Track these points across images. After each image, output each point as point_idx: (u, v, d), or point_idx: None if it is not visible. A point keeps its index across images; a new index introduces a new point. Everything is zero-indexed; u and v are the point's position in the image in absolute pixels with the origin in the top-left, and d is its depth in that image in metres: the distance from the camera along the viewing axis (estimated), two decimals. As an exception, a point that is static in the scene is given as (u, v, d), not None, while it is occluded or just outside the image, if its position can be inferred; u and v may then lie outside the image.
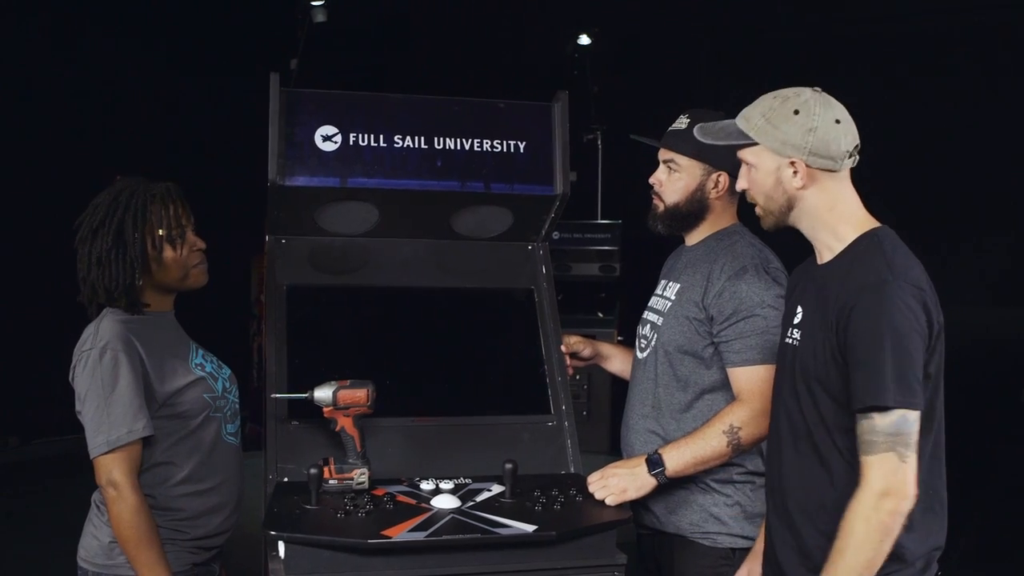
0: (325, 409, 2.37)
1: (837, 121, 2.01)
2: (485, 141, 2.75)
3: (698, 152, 2.47)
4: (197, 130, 7.08)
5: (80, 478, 2.50)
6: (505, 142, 2.77)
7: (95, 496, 2.32)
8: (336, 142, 2.65)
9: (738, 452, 2.35)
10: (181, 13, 7.79)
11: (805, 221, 2.08)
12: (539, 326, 2.82)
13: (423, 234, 2.84)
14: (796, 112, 2.01)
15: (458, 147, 2.73)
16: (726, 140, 2.10)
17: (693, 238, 2.60)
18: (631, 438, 2.59)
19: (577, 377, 7.76)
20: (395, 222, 2.78)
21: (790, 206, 2.06)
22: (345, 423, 2.37)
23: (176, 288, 2.40)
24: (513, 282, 2.89)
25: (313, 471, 2.25)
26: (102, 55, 7.54)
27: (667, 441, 2.44)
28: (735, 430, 2.32)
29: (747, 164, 2.10)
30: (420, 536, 2.11)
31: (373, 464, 2.46)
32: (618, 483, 2.36)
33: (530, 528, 2.16)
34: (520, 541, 2.15)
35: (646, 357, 2.58)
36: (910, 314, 1.88)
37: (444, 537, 2.12)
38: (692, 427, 2.43)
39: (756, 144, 2.05)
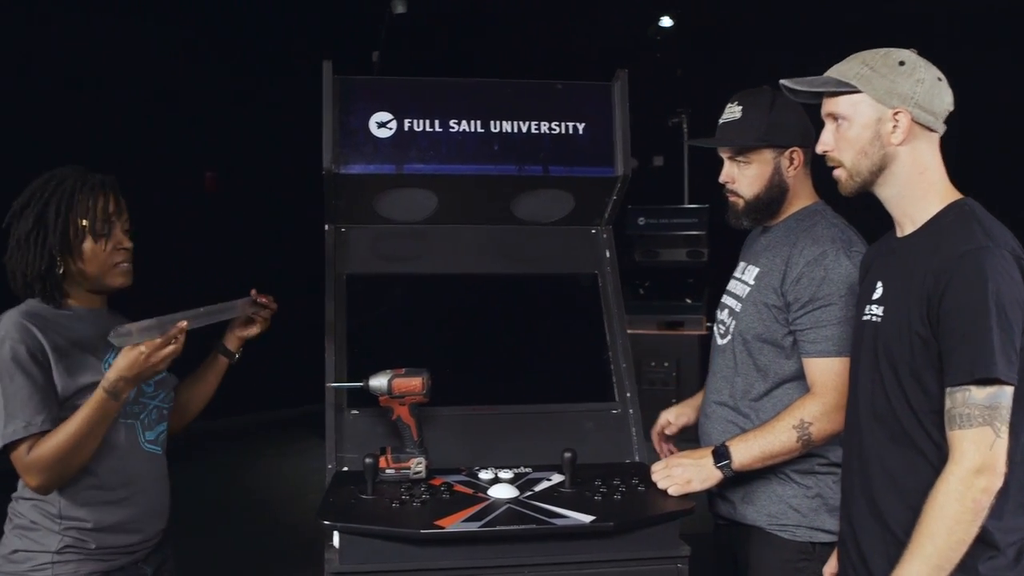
0: (381, 398, 2.36)
1: (939, 79, 1.91)
2: (543, 123, 2.69)
3: (764, 136, 2.36)
4: (283, 125, 7.20)
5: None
6: (563, 124, 2.70)
7: (9, 506, 2.21)
8: (391, 128, 2.63)
9: (809, 448, 2.24)
10: (263, 8, 7.91)
11: (891, 186, 1.95)
12: (603, 311, 2.76)
13: (483, 220, 2.79)
14: (902, 63, 1.90)
15: (515, 130, 2.68)
16: (822, 87, 1.97)
17: (774, 219, 2.48)
18: (708, 426, 2.50)
19: (666, 364, 7.81)
20: (454, 208, 2.75)
21: (882, 166, 1.93)
22: (401, 412, 2.35)
23: (95, 286, 2.24)
24: (576, 267, 2.82)
25: (369, 461, 2.23)
26: (179, 47, 7.71)
27: (745, 431, 2.35)
28: (806, 425, 2.22)
29: (837, 119, 1.97)
30: (474, 526, 2.07)
31: (432, 453, 2.43)
32: (682, 473, 2.28)
33: (588, 519, 2.10)
34: (577, 532, 2.10)
35: (725, 344, 2.49)
36: (1012, 283, 1.77)
37: (498, 528, 2.07)
38: (770, 417, 2.33)
39: (845, 96, 1.93)
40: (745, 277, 2.46)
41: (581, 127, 2.71)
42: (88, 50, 7.23)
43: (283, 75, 7.35)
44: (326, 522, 2.09)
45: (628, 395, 2.64)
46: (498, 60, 8.41)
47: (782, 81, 2.02)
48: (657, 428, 2.69)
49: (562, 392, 2.65)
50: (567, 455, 2.28)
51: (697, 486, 2.27)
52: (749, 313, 2.39)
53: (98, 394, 2.08)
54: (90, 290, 2.25)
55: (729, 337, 2.45)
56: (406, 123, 2.63)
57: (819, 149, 2.03)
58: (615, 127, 2.71)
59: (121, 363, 2.07)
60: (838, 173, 2.00)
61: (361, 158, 2.61)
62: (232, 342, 2.49)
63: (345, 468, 2.43)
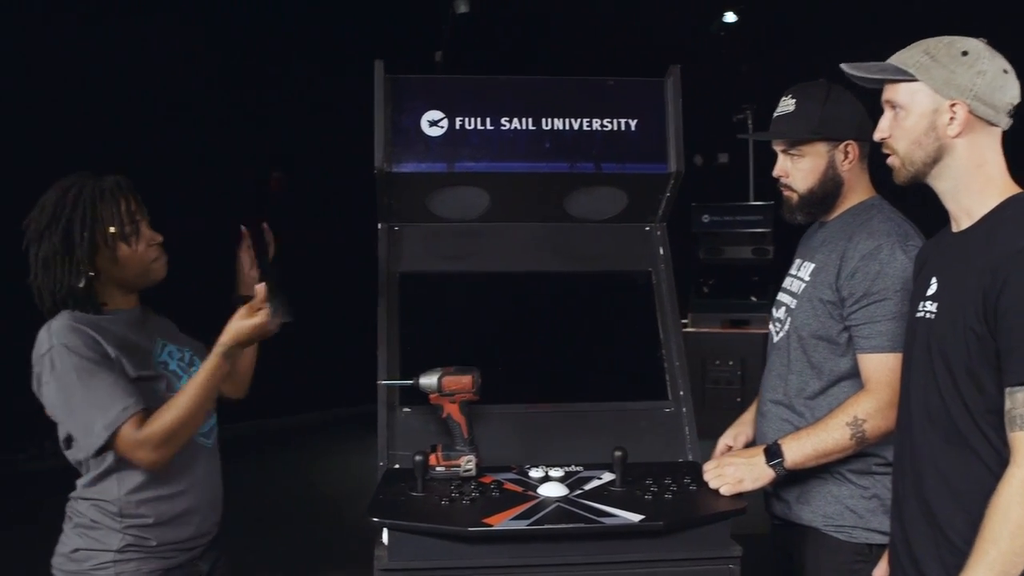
0: (431, 396, 2.36)
1: (1005, 71, 1.85)
2: (594, 120, 2.68)
3: (817, 129, 2.31)
4: (340, 125, 7.29)
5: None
6: (615, 120, 2.68)
7: (67, 505, 2.25)
8: (442, 127, 2.64)
9: (863, 446, 2.19)
10: (328, 9, 7.99)
11: (947, 179, 1.90)
12: (656, 309, 2.73)
13: (536, 217, 2.78)
14: (964, 53, 1.85)
15: (566, 127, 2.67)
16: (879, 74, 1.93)
17: (830, 215, 2.43)
18: (764, 426, 2.46)
19: (731, 363, 7.72)
20: (507, 206, 2.74)
21: (937, 157, 1.88)
22: (451, 409, 2.36)
23: (137, 285, 2.29)
24: (630, 264, 2.80)
25: (419, 458, 2.24)
26: (235, 48, 7.81)
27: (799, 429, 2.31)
28: (859, 422, 2.17)
29: (895, 107, 1.92)
30: (522, 525, 2.07)
31: (483, 451, 2.44)
32: (734, 472, 2.24)
33: (637, 518, 2.08)
34: (625, 531, 2.07)
35: (779, 342, 2.45)
36: None
37: (546, 526, 2.07)
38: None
39: (904, 84, 1.88)
40: (801, 274, 2.42)
41: (633, 124, 2.69)
42: (151, 51, 7.38)
43: (344, 76, 7.43)
44: (375, 519, 2.10)
45: (681, 393, 2.61)
46: (561, 59, 8.38)
47: (842, 65, 1.97)
48: (716, 453, 2.61)
49: (615, 390, 2.63)
50: (617, 454, 2.26)
51: (749, 485, 2.23)
52: (804, 310, 2.35)
53: (212, 360, 2.15)
54: (129, 290, 2.29)
55: (784, 334, 2.41)
56: (457, 121, 2.64)
57: (876, 136, 1.99)
58: (668, 123, 2.68)
59: (241, 327, 2.14)
60: (892, 161, 1.95)
61: (413, 157, 2.62)
62: (248, 288, 2.43)
63: (396, 465, 2.44)
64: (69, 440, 2.19)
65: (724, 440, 2.57)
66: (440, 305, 2.73)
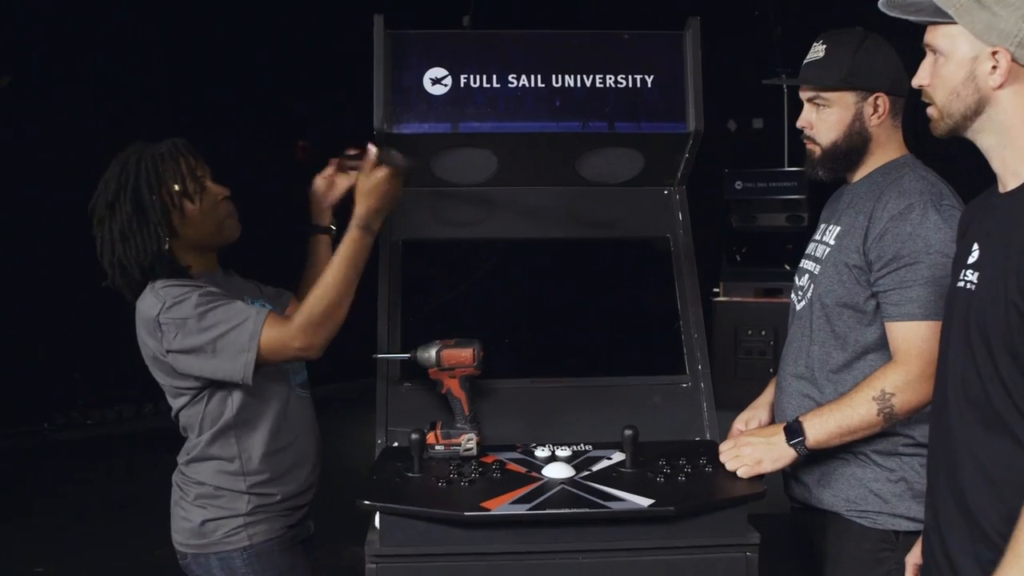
0: (430, 370, 2.23)
1: None
2: (608, 77, 2.50)
3: (846, 77, 2.13)
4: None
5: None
6: (630, 77, 2.51)
7: (176, 477, 2.25)
8: (446, 85, 2.48)
9: (891, 422, 2.03)
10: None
11: (990, 134, 1.71)
12: (674, 278, 2.57)
13: (546, 181, 2.63)
14: None
15: (578, 84, 2.50)
16: (916, 15, 1.74)
17: (857, 175, 2.25)
18: (783, 402, 2.29)
19: (763, 333, 7.52)
20: (515, 169, 2.59)
21: (978, 110, 1.69)
22: (451, 385, 2.22)
23: (213, 244, 2.25)
24: (646, 230, 2.64)
25: (415, 437, 2.11)
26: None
27: (821, 405, 2.15)
28: (887, 397, 2.00)
29: (934, 52, 1.74)
30: (522, 509, 1.93)
31: (488, 428, 2.31)
32: (752, 453, 2.09)
33: (646, 502, 1.94)
34: (634, 516, 1.94)
35: (801, 311, 2.28)
36: None
37: (548, 511, 1.93)
38: None
39: (944, 27, 1.70)
40: (825, 238, 2.25)
41: (650, 80, 2.51)
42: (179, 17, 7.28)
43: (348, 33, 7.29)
44: (366, 502, 1.98)
45: (700, 368, 2.45)
46: (598, 19, 8.18)
47: (879, 4, 1.78)
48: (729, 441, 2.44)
49: (628, 364, 2.48)
50: (628, 432, 2.12)
51: (768, 467, 2.08)
52: (828, 275, 2.17)
53: (351, 233, 2.15)
54: (206, 250, 2.25)
55: (806, 303, 2.24)
56: (462, 79, 2.48)
57: (914, 82, 1.80)
58: (687, 79, 2.50)
59: (368, 187, 2.16)
60: (930, 111, 1.76)
61: (414, 117, 2.47)
62: (324, 216, 2.45)
63: (396, 444, 2.32)
64: (209, 391, 2.14)
65: (737, 424, 2.40)
66: (444, 274, 2.60)
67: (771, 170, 7.91)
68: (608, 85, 2.50)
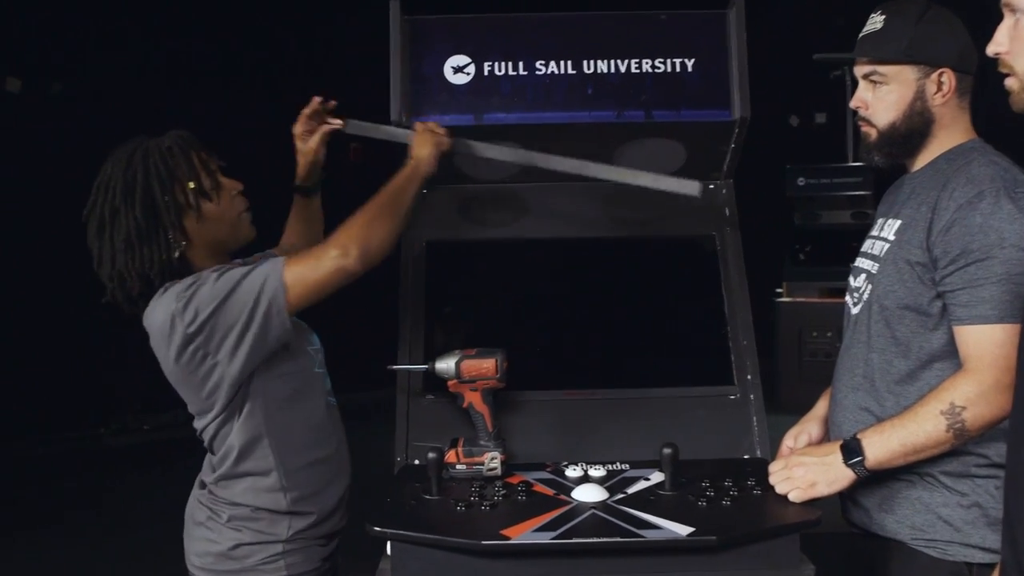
0: (449, 382, 2.05)
1: None
2: (644, 61, 2.30)
3: (906, 50, 1.90)
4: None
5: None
6: (669, 61, 2.31)
7: (201, 497, 2.03)
8: (469, 73, 2.30)
9: (962, 440, 1.79)
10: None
11: None
12: (721, 280, 2.35)
13: (580, 176, 2.43)
14: None
15: (612, 70, 2.30)
16: None
17: (918, 162, 2.01)
18: (839, 416, 2.06)
19: (828, 334, 7.22)
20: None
21: None
22: (473, 398, 2.04)
23: (228, 245, 2.02)
24: (690, 229, 2.43)
25: (432, 455, 1.94)
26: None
27: (882, 420, 1.91)
28: (957, 411, 1.76)
29: (1015, 11, 1.50)
30: (546, 537, 1.74)
31: (516, 445, 2.14)
32: (805, 475, 1.87)
33: (685, 530, 1.74)
34: (670, 547, 1.73)
35: (858, 315, 2.04)
36: None
37: (574, 540, 1.73)
38: None
39: None
40: (884, 233, 2.01)
41: (690, 64, 2.30)
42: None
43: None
44: (376, 528, 1.80)
45: (749, 378, 2.24)
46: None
47: None
48: (782, 455, 2.17)
49: (670, 374, 2.28)
50: (666, 451, 1.91)
51: (824, 490, 1.86)
52: (888, 274, 1.94)
53: (402, 168, 2.07)
54: (221, 253, 2.01)
55: (863, 305, 2.01)
56: (486, 67, 2.30)
57: (989, 50, 1.54)
58: (731, 62, 2.29)
59: (424, 144, 2.12)
60: (1010, 83, 1.52)
61: (435, 108, 2.30)
62: (305, 175, 2.26)
63: (416, 461, 2.15)
64: (239, 396, 1.92)
65: (786, 441, 2.16)
66: (470, 277, 2.42)
67: (835, 165, 7.61)
68: (645, 70, 2.30)
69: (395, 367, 2.14)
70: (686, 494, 1.91)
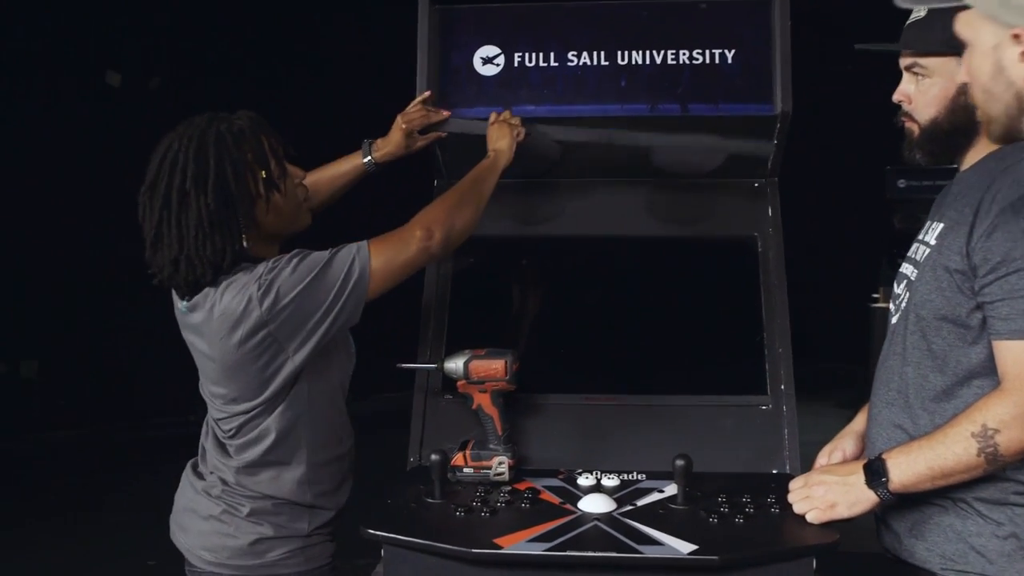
0: (458, 383, 1.99)
1: None
2: (681, 52, 2.19)
3: (950, 41, 1.74)
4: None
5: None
6: (708, 51, 2.19)
7: (215, 488, 1.97)
8: (498, 64, 2.24)
9: (996, 466, 1.63)
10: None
11: None
12: (760, 284, 2.22)
13: (617, 173, 2.34)
14: None
15: (647, 61, 2.20)
16: (929, 2, 1.42)
17: (967, 161, 1.85)
18: (874, 433, 1.91)
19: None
20: (582, 158, 2.31)
21: (1021, 106, 1.36)
22: (482, 400, 1.98)
23: (285, 233, 1.96)
24: (730, 228, 2.31)
25: (436, 457, 1.88)
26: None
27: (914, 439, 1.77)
28: (990, 434, 1.61)
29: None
30: (538, 549, 1.66)
31: (531, 450, 2.07)
32: (825, 495, 1.74)
33: (688, 548, 1.63)
34: (667, 565, 1.63)
35: (895, 324, 1.90)
36: None
37: (567, 553, 1.65)
38: None
39: (968, 11, 1.37)
40: (927, 237, 1.85)
41: (730, 55, 2.19)
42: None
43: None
44: (369, 530, 1.76)
45: (783, 387, 2.11)
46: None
47: None
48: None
49: (699, 382, 2.16)
50: (679, 463, 1.81)
51: (844, 512, 1.73)
52: (926, 282, 1.78)
53: (487, 158, 2.11)
54: (278, 239, 1.96)
55: (900, 314, 1.86)
56: (516, 58, 2.23)
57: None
58: (775, 52, 2.16)
59: (502, 136, 2.14)
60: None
61: (464, 100, 2.24)
62: (381, 150, 2.26)
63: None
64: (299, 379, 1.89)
65: (820, 458, 2.01)
66: (500, 274, 2.35)
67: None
68: (682, 61, 2.20)
69: (404, 365, 2.08)
70: (698, 509, 1.80)
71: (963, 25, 1.39)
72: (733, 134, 2.21)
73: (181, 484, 2.06)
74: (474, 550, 1.66)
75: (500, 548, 1.66)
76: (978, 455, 1.62)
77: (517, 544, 1.67)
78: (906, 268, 1.89)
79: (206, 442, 2.01)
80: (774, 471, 2.04)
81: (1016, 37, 1.30)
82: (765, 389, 2.12)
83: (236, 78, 7.15)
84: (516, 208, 2.35)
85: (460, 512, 1.81)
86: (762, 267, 2.24)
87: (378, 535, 1.74)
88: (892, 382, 1.85)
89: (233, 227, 1.83)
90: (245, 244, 1.85)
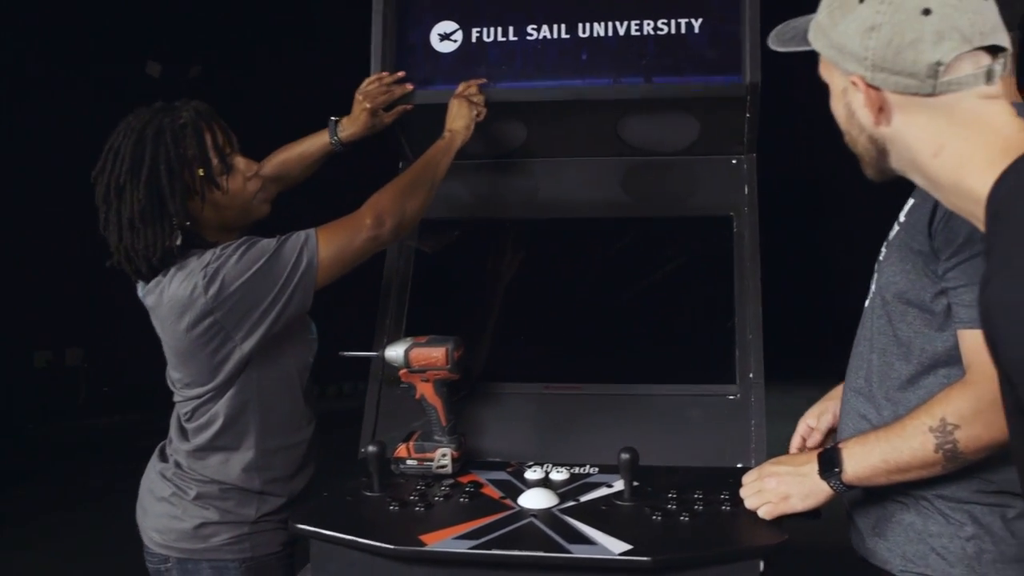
0: (400, 372, 1.91)
1: (926, 11, 1.16)
2: (645, 22, 2.08)
3: None
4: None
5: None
6: (673, 21, 2.07)
7: (166, 470, 1.95)
8: (456, 41, 2.15)
9: (956, 463, 1.49)
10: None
11: (916, 177, 1.28)
12: (733, 266, 2.10)
13: (585, 151, 2.23)
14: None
15: (609, 33, 2.09)
16: (800, 45, 1.35)
17: None
18: (842, 422, 1.77)
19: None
20: (547, 136, 2.21)
21: (879, 149, 1.28)
22: (424, 390, 1.90)
23: (238, 225, 1.91)
24: (704, 208, 2.18)
25: (372, 449, 1.81)
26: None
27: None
28: (948, 429, 1.47)
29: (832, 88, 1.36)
30: (463, 546, 1.58)
31: (485, 441, 1.99)
32: (778, 487, 1.63)
33: (621, 547, 1.54)
34: (597, 566, 1.54)
35: (866, 308, 1.76)
36: None
37: (491, 551, 1.57)
38: None
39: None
40: (900, 215, 1.72)
41: (697, 24, 2.06)
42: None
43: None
44: (297, 525, 1.70)
45: (751, 376, 1.99)
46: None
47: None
48: (796, 440, 1.90)
49: (665, 369, 2.05)
50: (624, 456, 1.71)
51: (798, 504, 1.61)
52: (892, 263, 1.64)
53: (438, 141, 2.03)
54: (231, 231, 1.92)
55: (869, 297, 1.72)
56: (474, 33, 2.13)
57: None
58: (744, 21, 2.03)
59: (460, 115, 2.06)
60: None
61: (421, 79, 2.16)
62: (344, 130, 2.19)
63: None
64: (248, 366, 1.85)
65: (806, 420, 1.87)
66: (463, 259, 2.27)
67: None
68: (646, 32, 2.08)
69: (346, 353, 2.01)
70: (644, 505, 1.70)
71: (822, 67, 1.32)
72: (702, 107, 2.09)
73: (148, 466, 2.03)
74: (396, 547, 1.59)
75: (423, 545, 1.58)
76: (936, 451, 1.48)
77: (442, 541, 1.60)
78: (883, 248, 1.76)
79: (172, 424, 1.99)
80: (739, 465, 1.92)
81: (855, 84, 1.22)
82: (734, 378, 2.00)
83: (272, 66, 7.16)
84: (480, 189, 2.26)
85: (394, 506, 1.74)
86: (736, 248, 2.12)
87: (305, 529, 1.68)
88: (861, 369, 1.72)
89: (164, 224, 1.79)
90: (179, 241, 1.81)
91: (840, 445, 1.59)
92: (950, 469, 1.51)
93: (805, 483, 1.61)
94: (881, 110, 1.23)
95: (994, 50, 1.20)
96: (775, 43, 1.42)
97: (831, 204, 8.65)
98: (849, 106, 1.28)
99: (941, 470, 1.51)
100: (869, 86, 1.22)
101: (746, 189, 2.16)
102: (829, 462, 1.59)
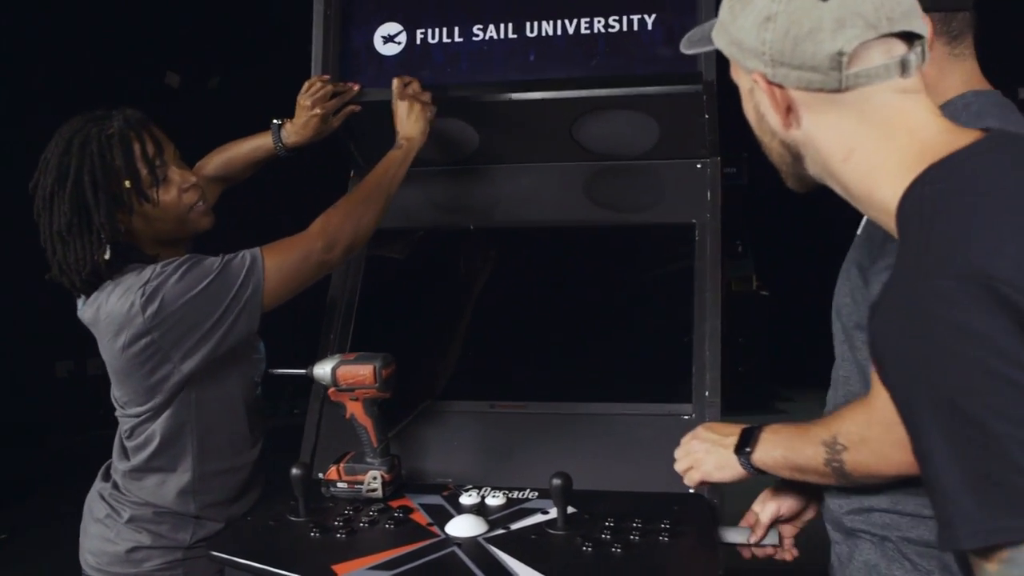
0: (329, 391, 1.81)
1: None
2: (596, 20, 1.97)
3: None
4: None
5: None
6: (625, 18, 1.96)
7: (103, 490, 1.88)
8: (400, 43, 2.05)
9: (847, 481, 1.36)
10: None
11: (832, 184, 1.16)
12: (695, 278, 1.98)
13: (542, 156, 2.13)
14: None
15: (558, 32, 1.98)
16: (697, 45, 1.24)
17: None
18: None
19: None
20: (499, 141, 2.11)
21: (794, 155, 1.17)
22: (354, 409, 1.80)
23: (176, 237, 1.83)
24: (668, 215, 2.07)
25: (296, 472, 1.72)
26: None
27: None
28: (837, 448, 1.33)
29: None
30: (373, 578, 1.49)
31: (429, 462, 1.89)
32: (698, 452, 1.54)
33: (538, 582, 1.43)
34: (509, 602, 1.43)
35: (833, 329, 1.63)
36: None
37: (402, 585, 1.47)
38: None
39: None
40: (859, 228, 1.58)
41: (651, 20, 1.95)
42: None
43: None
44: (212, 552, 1.61)
45: (707, 395, 1.86)
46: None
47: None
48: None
49: (617, 388, 1.93)
50: (556, 482, 1.60)
51: (713, 474, 1.52)
52: (841, 283, 1.52)
53: (392, 151, 1.94)
54: (170, 244, 1.85)
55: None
56: (418, 34, 2.04)
57: None
58: (700, 16, 1.91)
59: (414, 120, 1.95)
60: None
61: (365, 83, 2.07)
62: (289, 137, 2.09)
63: (320, 475, 1.92)
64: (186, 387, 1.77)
65: (754, 505, 1.70)
66: (413, 270, 2.17)
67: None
68: (596, 31, 1.97)
69: (276, 371, 1.91)
70: (576, 535, 1.59)
71: (731, 68, 1.19)
72: (659, 108, 1.97)
73: (93, 484, 1.96)
74: (304, 578, 1.50)
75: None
76: (826, 465, 1.36)
77: (354, 572, 1.50)
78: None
79: (115, 443, 1.91)
80: (691, 490, 1.80)
81: (756, 82, 1.11)
82: (689, 396, 1.88)
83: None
84: (432, 198, 2.17)
85: (315, 532, 1.65)
86: (698, 259, 2.00)
87: (219, 556, 1.60)
88: (832, 395, 1.59)
89: (91, 237, 1.71)
90: (108, 256, 1.71)
91: (763, 427, 1.48)
92: (845, 484, 1.39)
93: (720, 455, 1.52)
94: (789, 111, 1.12)
95: (910, 38, 1.08)
96: (685, 46, 1.31)
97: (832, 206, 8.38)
98: (757, 108, 1.17)
99: (835, 483, 1.40)
100: (771, 83, 1.10)
101: (708, 195, 2.04)
102: (745, 440, 1.48)
